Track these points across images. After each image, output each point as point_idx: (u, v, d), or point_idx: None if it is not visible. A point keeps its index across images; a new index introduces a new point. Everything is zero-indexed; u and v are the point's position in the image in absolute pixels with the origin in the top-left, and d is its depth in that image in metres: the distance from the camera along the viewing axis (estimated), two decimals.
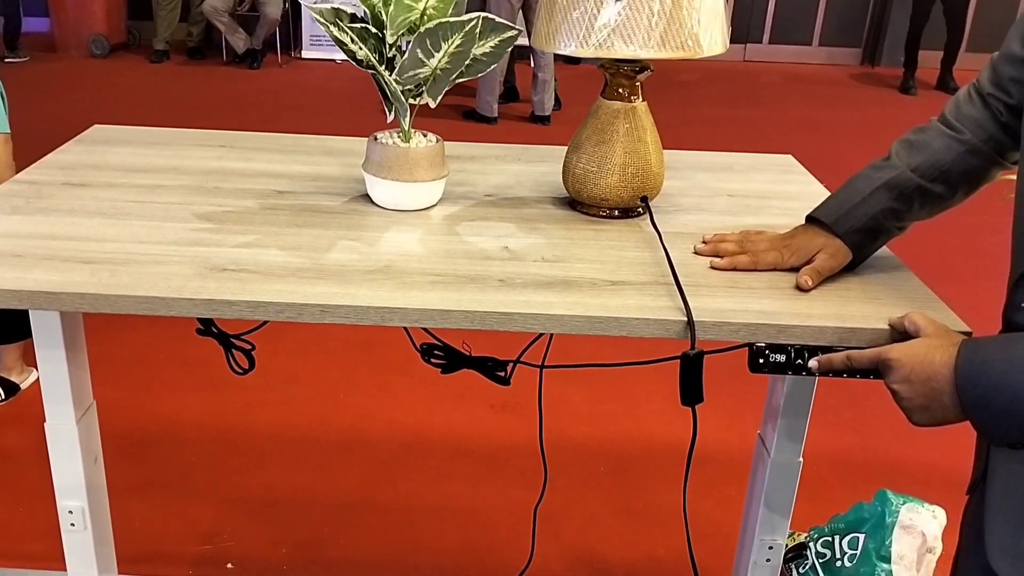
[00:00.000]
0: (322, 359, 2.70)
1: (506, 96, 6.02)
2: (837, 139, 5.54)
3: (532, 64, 6.03)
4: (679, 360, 0.97)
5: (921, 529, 1.64)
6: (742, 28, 8.04)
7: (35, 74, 6.51)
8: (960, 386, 0.86)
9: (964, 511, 1.01)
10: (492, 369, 1.34)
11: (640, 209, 1.28)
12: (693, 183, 1.43)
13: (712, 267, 1.12)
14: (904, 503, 1.67)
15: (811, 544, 1.75)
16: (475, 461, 2.27)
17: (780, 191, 1.44)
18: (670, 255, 1.12)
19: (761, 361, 0.99)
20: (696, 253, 1.16)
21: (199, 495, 2.11)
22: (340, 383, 2.58)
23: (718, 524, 2.04)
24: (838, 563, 1.67)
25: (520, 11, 5.50)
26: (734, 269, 1.11)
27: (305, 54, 7.57)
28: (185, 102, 6.12)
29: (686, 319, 0.98)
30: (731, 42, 8.20)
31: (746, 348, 1.01)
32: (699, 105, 6.35)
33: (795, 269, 1.10)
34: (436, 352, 1.35)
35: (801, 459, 1.36)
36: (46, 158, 1.44)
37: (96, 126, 1.62)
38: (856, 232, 1.09)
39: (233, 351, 1.40)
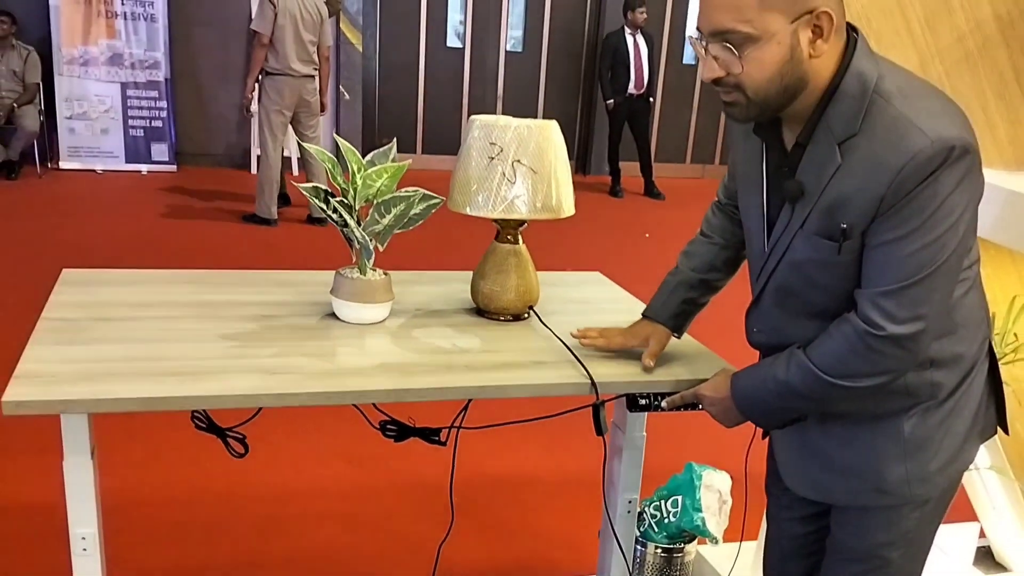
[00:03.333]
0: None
1: (280, 201, 6.50)
2: (577, 232, 6.48)
3: (303, 171, 6.62)
4: (591, 408, 1.59)
5: (718, 488, 2.35)
6: None
7: None
8: (736, 404, 1.55)
9: (766, 477, 1.72)
10: (430, 435, 1.87)
11: (526, 314, 1.91)
12: (546, 295, 2.06)
13: (582, 345, 1.74)
14: (704, 470, 2.37)
15: (646, 509, 2.41)
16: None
17: (602, 296, 2.14)
18: (566, 342, 1.74)
19: (638, 403, 1.64)
20: (572, 336, 1.78)
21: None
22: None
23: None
24: (666, 520, 2.36)
25: (288, 124, 6.23)
26: (595, 348, 1.74)
27: (63, 164, 7.60)
28: None
29: (590, 381, 1.61)
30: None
31: (623, 397, 1.66)
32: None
33: (635, 349, 1.75)
34: (389, 427, 1.86)
35: (644, 435, 1.94)
36: (52, 300, 1.77)
37: (65, 270, 1.96)
38: (672, 317, 1.74)
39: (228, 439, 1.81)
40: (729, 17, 1.26)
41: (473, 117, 1.85)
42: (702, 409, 1.63)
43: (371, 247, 1.77)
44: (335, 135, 2.02)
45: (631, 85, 8.20)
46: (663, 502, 2.41)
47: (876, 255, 1.32)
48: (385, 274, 1.83)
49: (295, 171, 7.78)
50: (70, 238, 5.54)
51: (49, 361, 1.49)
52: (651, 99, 8.55)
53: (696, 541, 2.44)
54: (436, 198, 1.81)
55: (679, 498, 2.37)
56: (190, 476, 2.87)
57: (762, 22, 1.25)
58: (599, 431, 1.63)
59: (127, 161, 7.76)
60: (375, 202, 1.75)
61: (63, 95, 7.51)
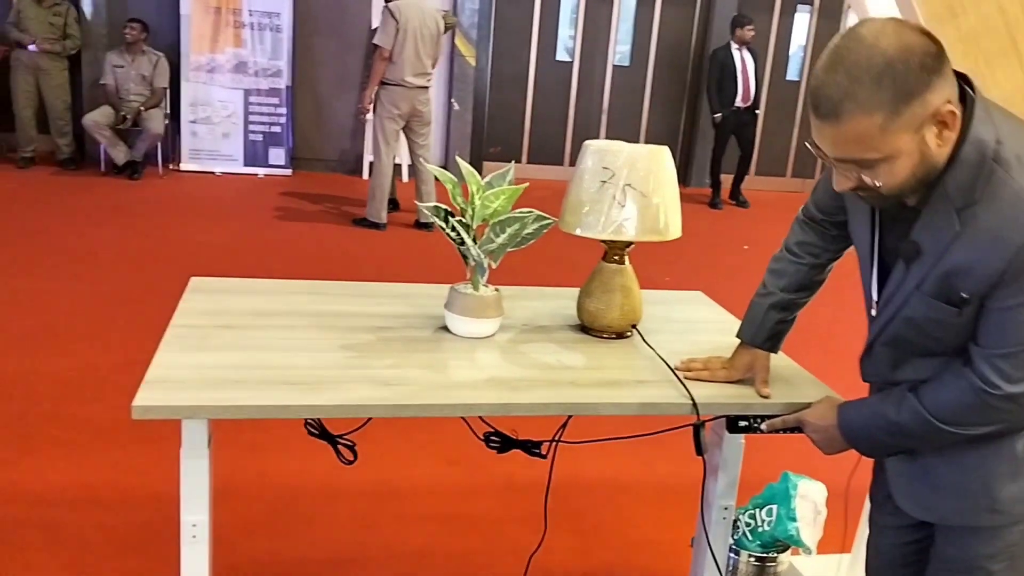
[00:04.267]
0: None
1: (389, 207, 6.73)
2: (677, 242, 6.49)
3: (413, 179, 6.86)
4: (692, 427, 1.62)
5: (813, 498, 2.34)
6: (578, 153, 9.14)
7: None
8: (843, 436, 1.56)
9: (871, 485, 1.72)
10: (531, 447, 1.93)
11: (630, 332, 1.94)
12: (649, 314, 2.10)
13: (686, 377, 1.76)
14: (800, 480, 2.37)
15: (740, 517, 2.42)
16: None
17: (703, 317, 2.16)
18: (667, 362, 1.77)
19: (738, 425, 1.66)
20: (676, 369, 1.80)
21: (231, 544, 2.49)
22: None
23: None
24: (760, 529, 2.36)
25: (401, 132, 6.41)
26: (699, 380, 1.75)
27: (184, 166, 8.01)
28: (71, 209, 6.47)
29: (691, 401, 1.64)
30: (570, 164, 9.33)
31: (723, 419, 1.68)
32: None
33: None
34: (493, 438, 1.93)
35: (743, 440, 1.94)
36: (181, 307, 1.90)
37: (193, 278, 2.09)
38: (766, 340, 1.76)
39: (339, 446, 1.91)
40: (856, 148, 1.27)
41: (587, 142, 1.90)
42: (803, 433, 1.64)
43: (485, 264, 1.84)
44: (457, 157, 2.11)
45: (738, 98, 8.35)
46: (758, 511, 2.41)
47: (995, 317, 1.33)
48: (496, 290, 1.90)
49: (405, 178, 7.99)
50: (190, 236, 5.86)
51: (176, 367, 1.60)
52: (756, 112, 8.65)
53: (789, 551, 2.44)
54: (548, 219, 1.87)
55: (774, 507, 2.36)
56: (293, 468, 2.99)
57: (888, 145, 1.25)
58: (699, 451, 1.65)
59: (245, 164, 8.12)
60: (491, 222, 1.82)
61: (188, 100, 7.92)
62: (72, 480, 2.82)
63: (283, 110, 8.13)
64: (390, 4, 6.21)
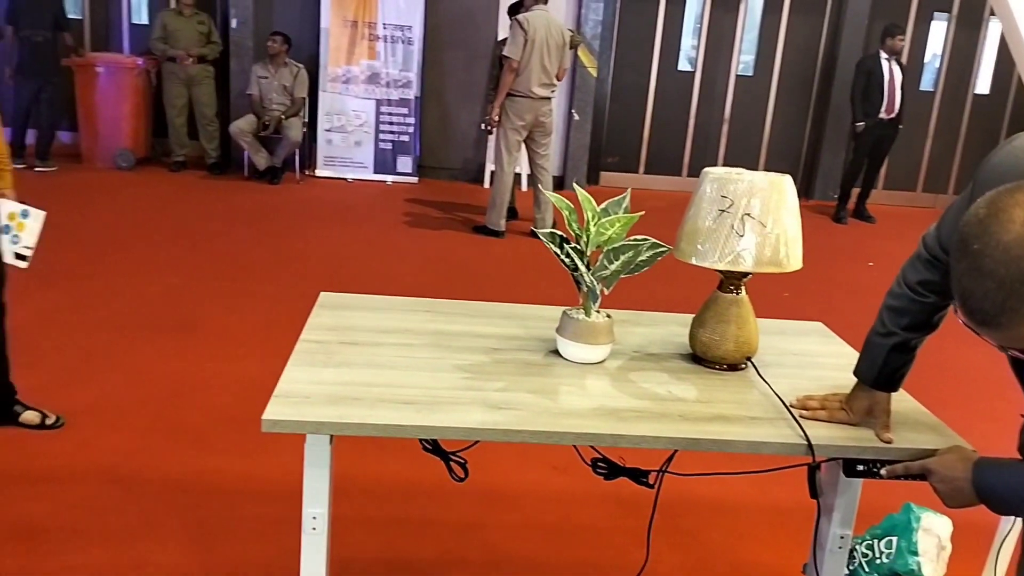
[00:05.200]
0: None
1: (508, 215, 6.82)
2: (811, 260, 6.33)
3: (531, 188, 6.96)
4: (807, 469, 1.58)
5: (937, 532, 2.22)
6: (698, 164, 9.03)
7: (68, 183, 7.17)
8: (978, 494, 1.47)
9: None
10: (639, 476, 1.93)
11: (744, 365, 1.91)
12: (766, 345, 2.06)
13: (801, 416, 1.72)
14: (923, 512, 2.26)
15: (857, 548, 2.32)
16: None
17: (822, 351, 2.10)
18: (783, 399, 1.74)
19: (856, 468, 1.61)
20: (791, 407, 1.76)
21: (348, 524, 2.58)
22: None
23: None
24: (878, 561, 2.26)
25: (523, 143, 6.48)
26: (815, 419, 1.71)
27: (319, 172, 8.37)
28: (219, 210, 6.92)
29: (806, 442, 1.60)
30: (688, 175, 9.20)
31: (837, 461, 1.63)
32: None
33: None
34: (600, 464, 1.93)
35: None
36: (310, 323, 2.00)
37: (323, 293, 2.19)
38: (887, 382, 1.69)
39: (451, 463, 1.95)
40: (1018, 343, 1.20)
41: (706, 170, 1.88)
42: (926, 481, 1.57)
43: (598, 291, 1.85)
44: (575, 184, 2.13)
45: (882, 110, 8.04)
46: (876, 541, 2.30)
47: None
48: (608, 316, 1.91)
49: (524, 187, 8.07)
50: (324, 238, 6.14)
51: (303, 382, 1.68)
52: (900, 126, 8.22)
53: None
54: (663, 247, 1.86)
55: (894, 539, 2.26)
56: (408, 470, 3.06)
57: None
58: (814, 495, 1.62)
59: (375, 172, 8.38)
60: (605, 249, 1.83)
61: (325, 109, 8.24)
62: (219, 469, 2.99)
63: (412, 120, 8.35)
64: (519, 16, 6.30)
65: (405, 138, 8.38)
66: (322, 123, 8.25)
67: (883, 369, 1.68)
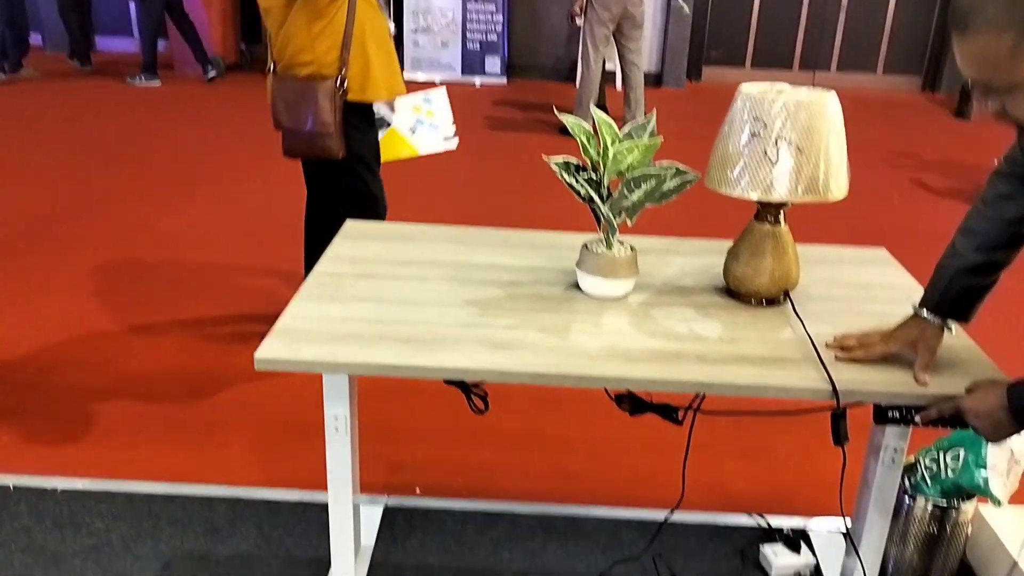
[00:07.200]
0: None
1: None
2: (912, 160, 5.92)
3: (622, 86, 6.62)
4: (830, 413, 1.46)
5: (1010, 445, 2.05)
6: (811, 57, 8.47)
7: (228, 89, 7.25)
8: (1017, 417, 1.34)
9: None
10: (668, 412, 1.83)
11: (781, 299, 1.77)
12: (815, 276, 1.90)
13: (837, 359, 1.57)
14: None
15: (921, 460, 2.16)
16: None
17: (880, 282, 1.91)
18: (812, 338, 1.60)
19: (887, 415, 1.47)
20: (827, 347, 1.62)
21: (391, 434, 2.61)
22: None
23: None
24: (943, 475, 2.09)
25: (612, 36, 6.17)
26: (855, 361, 1.57)
27: (406, 75, 8.25)
28: None
29: (831, 387, 1.47)
30: (800, 69, 8.63)
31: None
32: None
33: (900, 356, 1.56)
34: (625, 399, 1.85)
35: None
36: (329, 253, 1.96)
37: (348, 222, 2.14)
38: (952, 309, 1.53)
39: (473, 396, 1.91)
40: (983, 69, 1.20)
41: (742, 86, 1.71)
42: (963, 424, 1.43)
43: (616, 224, 1.73)
44: (593, 107, 1.97)
45: None
46: (942, 454, 2.14)
47: None
48: (632, 249, 1.79)
49: (618, 85, 7.76)
50: None
51: (305, 318, 1.65)
52: None
53: (975, 501, 2.17)
54: (690, 174, 1.72)
55: (961, 451, 2.08)
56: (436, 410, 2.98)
57: (1020, 71, 1.16)
58: (837, 441, 1.49)
59: (463, 73, 8.21)
60: (625, 177, 1.70)
61: (411, 8, 8.06)
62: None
63: (499, 17, 8.08)
64: None
65: (493, 37, 8.14)
66: (408, 23, 8.09)
67: (945, 294, 1.53)
